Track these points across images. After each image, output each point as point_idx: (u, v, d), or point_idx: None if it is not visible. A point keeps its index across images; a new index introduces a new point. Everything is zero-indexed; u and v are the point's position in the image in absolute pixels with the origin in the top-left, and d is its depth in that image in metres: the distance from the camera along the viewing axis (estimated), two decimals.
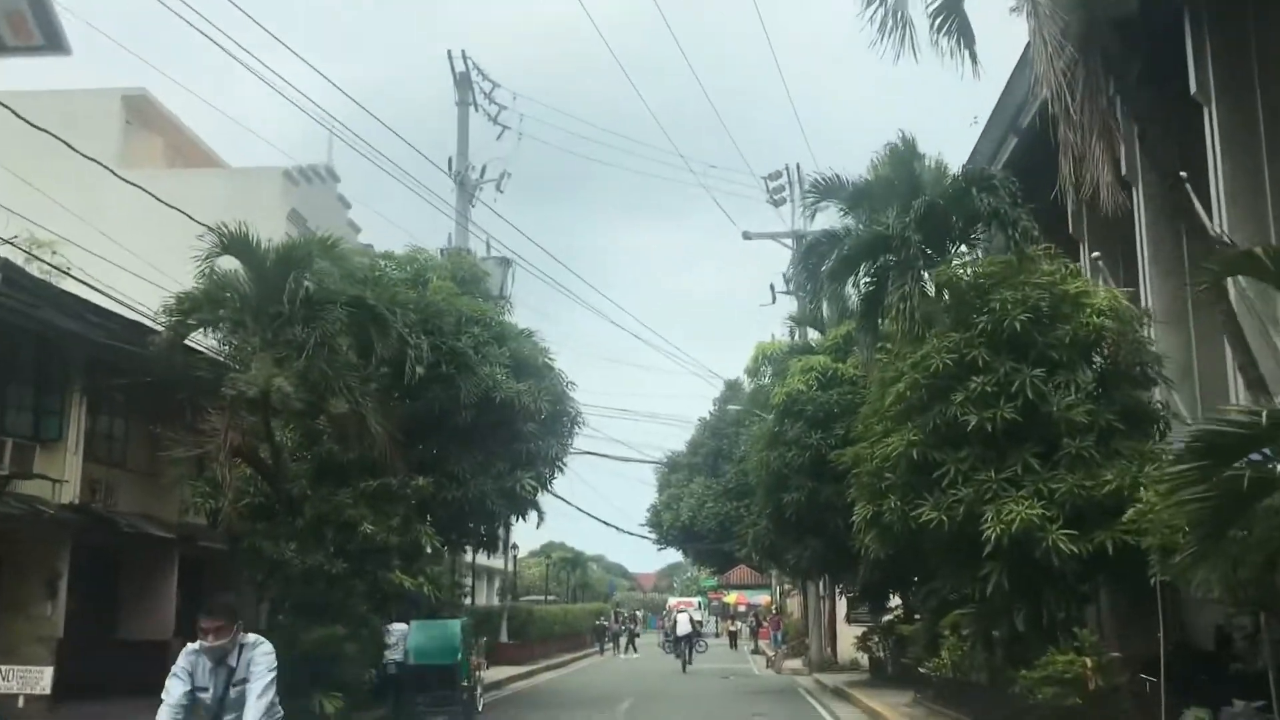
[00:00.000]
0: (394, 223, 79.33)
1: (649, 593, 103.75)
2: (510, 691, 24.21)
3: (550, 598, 60.15)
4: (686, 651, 34.22)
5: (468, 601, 33.74)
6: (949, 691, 16.36)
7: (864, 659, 25.80)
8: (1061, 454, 12.63)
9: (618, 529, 69.20)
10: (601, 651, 44.60)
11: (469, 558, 32.06)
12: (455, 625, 15.94)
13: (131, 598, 21.29)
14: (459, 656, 15.42)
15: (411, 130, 39.34)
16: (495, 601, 43.14)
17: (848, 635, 29.01)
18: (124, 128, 28.16)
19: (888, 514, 13.48)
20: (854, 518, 14.56)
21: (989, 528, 12.23)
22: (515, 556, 44.91)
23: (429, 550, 20.42)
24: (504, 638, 31.86)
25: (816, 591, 31.37)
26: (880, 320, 15.75)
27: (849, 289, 16.43)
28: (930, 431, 13.22)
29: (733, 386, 50.15)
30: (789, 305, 32.98)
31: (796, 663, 32.27)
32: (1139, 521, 10.38)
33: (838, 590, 28.49)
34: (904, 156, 15.28)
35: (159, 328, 16.01)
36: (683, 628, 35.21)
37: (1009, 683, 13.49)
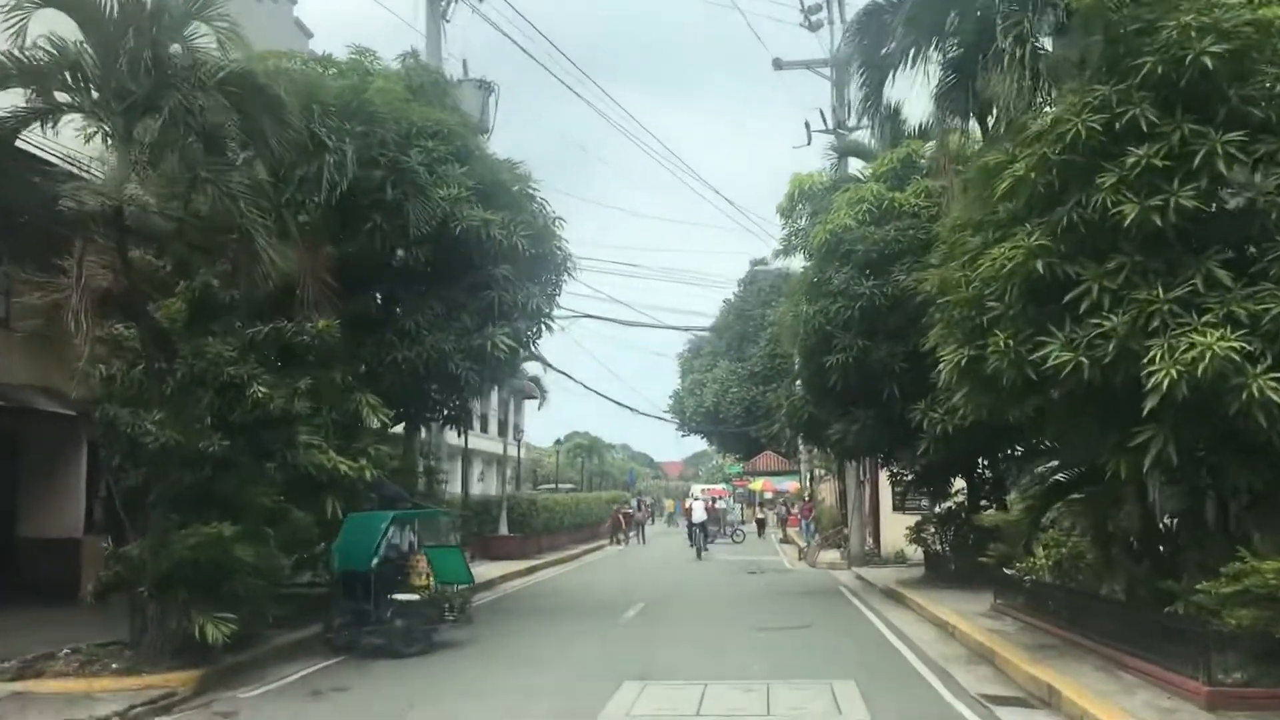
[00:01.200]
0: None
1: (674, 481, 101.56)
2: (501, 593, 20.62)
3: (567, 486, 57.08)
4: (700, 539, 33.55)
5: (455, 490, 30.24)
6: (1051, 601, 12.37)
7: (915, 552, 22.02)
8: (1269, 260, 8.36)
9: (632, 410, 65.91)
10: (626, 542, 41.45)
11: (456, 439, 28.29)
12: (381, 519, 11.90)
13: (33, 489, 17.71)
14: (373, 563, 11.48)
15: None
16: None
17: (893, 525, 25.32)
18: None
19: (994, 358, 9.28)
20: (939, 367, 10.32)
21: (1158, 371, 8.08)
22: (520, 441, 41.31)
23: (397, 427, 16.61)
24: (503, 530, 28.26)
25: (857, 475, 27.48)
26: (970, 98, 11.27)
27: (930, 57, 11.78)
28: (1063, 234, 8.97)
29: (759, 265, 46.40)
30: (826, 149, 28.14)
31: (833, 555, 28.66)
32: None
33: (884, 473, 24.45)
34: None
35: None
36: (698, 515, 34.79)
37: (1163, 598, 9.49)
